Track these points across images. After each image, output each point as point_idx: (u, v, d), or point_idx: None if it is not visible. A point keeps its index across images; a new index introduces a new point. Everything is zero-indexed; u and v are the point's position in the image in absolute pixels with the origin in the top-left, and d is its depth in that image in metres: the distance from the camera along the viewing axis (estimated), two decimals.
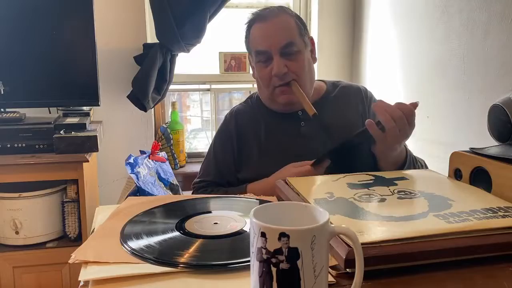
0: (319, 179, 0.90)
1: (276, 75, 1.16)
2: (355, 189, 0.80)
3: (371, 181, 0.85)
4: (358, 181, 0.85)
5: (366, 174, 0.90)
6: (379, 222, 0.64)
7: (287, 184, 0.87)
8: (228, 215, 0.79)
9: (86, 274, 0.59)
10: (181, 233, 0.71)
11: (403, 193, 0.78)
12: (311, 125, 1.22)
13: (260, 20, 1.19)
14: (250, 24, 1.22)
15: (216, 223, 0.75)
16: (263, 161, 1.20)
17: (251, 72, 1.29)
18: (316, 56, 1.28)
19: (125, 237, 0.70)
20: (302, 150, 1.17)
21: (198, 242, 0.67)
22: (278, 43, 1.15)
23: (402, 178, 0.86)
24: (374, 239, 0.58)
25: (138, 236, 0.70)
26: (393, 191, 0.79)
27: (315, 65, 1.28)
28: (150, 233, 0.71)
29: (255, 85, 1.29)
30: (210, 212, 0.82)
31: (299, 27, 1.20)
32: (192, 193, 1.27)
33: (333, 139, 1.17)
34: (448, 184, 0.84)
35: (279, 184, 0.89)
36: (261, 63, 1.19)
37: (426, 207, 0.70)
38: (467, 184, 0.84)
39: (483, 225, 0.62)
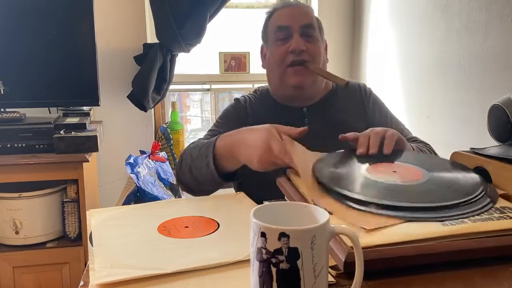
0: None
1: (294, 50, 1.16)
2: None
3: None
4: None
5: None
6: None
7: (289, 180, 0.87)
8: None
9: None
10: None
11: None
12: (315, 122, 1.21)
13: (283, 6, 1.23)
14: (272, 12, 1.24)
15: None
16: None
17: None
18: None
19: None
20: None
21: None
22: (300, 21, 1.18)
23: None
24: (369, 243, 0.57)
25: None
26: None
27: None
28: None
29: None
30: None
31: (319, 23, 1.24)
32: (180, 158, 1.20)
33: (336, 137, 1.17)
34: None
35: (281, 180, 0.89)
36: (279, 40, 1.19)
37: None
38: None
39: (477, 228, 0.61)
